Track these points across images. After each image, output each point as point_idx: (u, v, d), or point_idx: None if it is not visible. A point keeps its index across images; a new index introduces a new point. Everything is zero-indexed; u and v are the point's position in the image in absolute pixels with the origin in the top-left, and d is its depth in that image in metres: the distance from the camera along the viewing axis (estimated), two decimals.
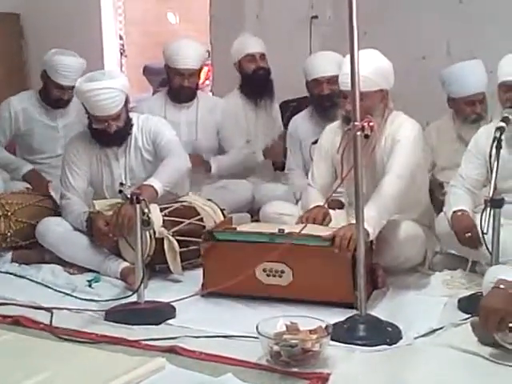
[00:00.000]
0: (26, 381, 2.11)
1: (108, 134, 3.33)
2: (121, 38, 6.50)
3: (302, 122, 4.05)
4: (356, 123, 2.35)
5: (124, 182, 2.91)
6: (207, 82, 5.84)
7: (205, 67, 5.15)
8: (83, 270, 3.29)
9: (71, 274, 3.26)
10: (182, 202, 3.47)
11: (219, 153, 4.29)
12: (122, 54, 6.51)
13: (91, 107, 3.25)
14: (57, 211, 3.56)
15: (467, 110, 3.69)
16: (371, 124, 2.60)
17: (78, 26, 5.66)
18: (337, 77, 3.12)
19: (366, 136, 2.47)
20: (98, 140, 3.43)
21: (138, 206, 2.64)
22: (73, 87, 3.88)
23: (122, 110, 3.31)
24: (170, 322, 2.65)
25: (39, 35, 4.73)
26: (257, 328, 2.26)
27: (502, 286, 2.23)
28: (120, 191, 2.73)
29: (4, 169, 4.10)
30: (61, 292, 3.03)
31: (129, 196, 2.65)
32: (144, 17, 6.52)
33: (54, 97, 4.16)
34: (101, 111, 3.22)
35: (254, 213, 3.86)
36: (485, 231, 2.56)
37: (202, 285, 2.95)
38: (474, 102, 3.67)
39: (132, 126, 3.45)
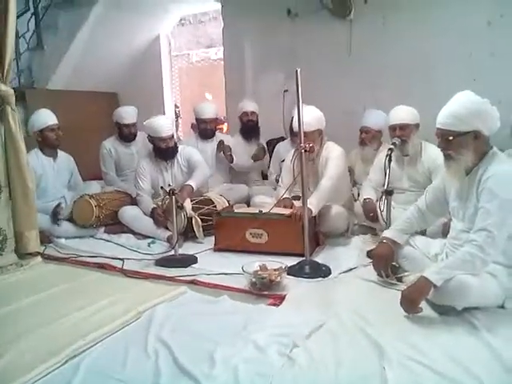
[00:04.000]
0: (104, 299, 2.17)
1: (165, 150, 3.38)
2: (176, 106, 6.53)
3: (281, 146, 4.06)
4: (301, 145, 2.38)
5: (164, 187, 2.90)
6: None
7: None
8: (145, 237, 3.26)
9: (138, 239, 3.25)
10: (204, 196, 3.47)
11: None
12: (177, 116, 6.53)
13: (156, 132, 3.31)
14: (132, 203, 3.54)
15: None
16: (311, 145, 2.63)
17: (152, 100, 5.69)
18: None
19: (306, 151, 2.45)
20: (158, 155, 3.45)
21: (173, 197, 2.66)
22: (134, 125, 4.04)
23: (172, 136, 3.38)
24: (193, 266, 2.67)
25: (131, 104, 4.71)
26: (242, 268, 2.29)
27: (384, 241, 2.25)
28: (161, 187, 2.78)
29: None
30: (131, 249, 3.04)
31: (167, 190, 2.67)
32: (191, 94, 6.55)
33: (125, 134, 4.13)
34: (160, 133, 3.30)
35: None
36: (382, 210, 2.56)
37: (214, 244, 2.97)
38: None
39: (177, 150, 3.48)
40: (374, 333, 1.75)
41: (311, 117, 2.84)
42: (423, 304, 1.91)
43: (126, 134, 4.06)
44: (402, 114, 2.97)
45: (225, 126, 5.76)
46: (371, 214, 2.87)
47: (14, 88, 2.78)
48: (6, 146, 2.72)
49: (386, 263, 2.23)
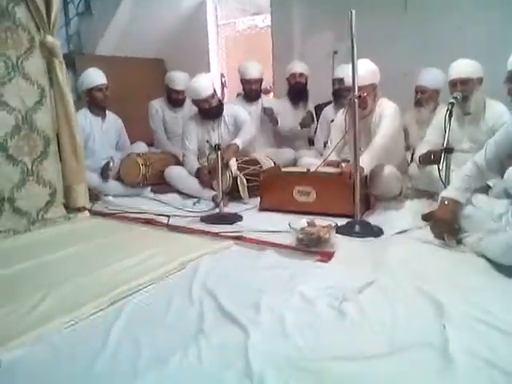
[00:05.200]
0: (149, 250, 2.15)
1: (208, 110, 3.31)
2: (222, 76, 6.41)
3: (328, 110, 3.89)
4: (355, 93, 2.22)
5: (210, 142, 2.82)
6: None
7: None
8: (191, 196, 3.24)
9: (183, 199, 3.22)
10: (250, 156, 3.37)
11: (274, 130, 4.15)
12: (223, 86, 6.42)
13: (195, 94, 3.26)
14: (177, 164, 3.53)
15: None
16: (365, 94, 2.44)
17: (199, 68, 5.59)
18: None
19: (360, 97, 2.30)
20: (203, 116, 3.38)
21: (219, 152, 2.58)
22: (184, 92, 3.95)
23: (212, 95, 3.27)
24: (238, 223, 2.59)
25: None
26: (289, 224, 2.18)
27: (446, 202, 2.06)
28: (207, 141, 2.70)
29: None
30: (176, 207, 2.98)
31: (213, 145, 2.59)
32: (237, 63, 6.40)
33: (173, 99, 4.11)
34: (200, 94, 3.24)
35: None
36: (441, 169, 2.37)
37: (260, 203, 2.89)
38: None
39: (222, 108, 3.38)
40: (432, 291, 1.60)
41: (365, 69, 2.66)
42: (489, 265, 1.75)
43: (175, 99, 4.03)
44: (464, 67, 2.73)
45: (271, 96, 5.61)
46: (431, 157, 2.61)
47: (63, 54, 2.76)
48: (55, 99, 2.71)
49: (449, 226, 2.05)
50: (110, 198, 3.21)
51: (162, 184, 3.39)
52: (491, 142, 2.09)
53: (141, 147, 3.74)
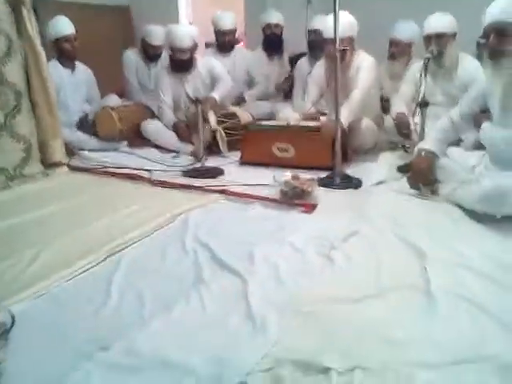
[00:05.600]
0: (136, 205, 2.17)
1: (181, 62, 3.24)
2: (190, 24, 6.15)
3: (303, 62, 3.85)
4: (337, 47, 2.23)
5: (189, 96, 2.79)
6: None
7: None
8: (169, 151, 3.22)
9: (162, 153, 3.20)
10: (228, 110, 3.36)
11: (249, 84, 4.11)
12: None
13: (175, 41, 3.17)
14: (152, 116, 3.48)
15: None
16: (346, 48, 2.47)
17: (166, 16, 5.32)
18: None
19: (343, 55, 2.31)
20: (174, 67, 3.31)
21: (199, 105, 2.56)
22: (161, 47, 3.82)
23: (193, 47, 3.23)
24: (220, 177, 2.63)
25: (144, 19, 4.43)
26: (273, 177, 2.25)
27: (422, 153, 2.16)
28: (187, 96, 2.67)
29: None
30: (155, 162, 2.95)
31: (193, 99, 2.57)
32: (204, 13, 6.11)
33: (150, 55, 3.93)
34: (181, 43, 3.17)
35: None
36: (416, 123, 2.46)
37: (241, 157, 2.91)
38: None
39: (195, 61, 3.32)
40: (412, 238, 1.72)
41: (344, 22, 2.64)
42: (462, 212, 1.89)
43: (151, 55, 3.88)
44: (439, 21, 2.77)
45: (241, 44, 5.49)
46: (404, 131, 2.74)
47: None
48: (24, 50, 2.59)
49: (425, 176, 2.16)
50: (86, 152, 3.15)
51: (138, 138, 3.35)
52: (466, 98, 2.18)
53: (114, 100, 3.64)
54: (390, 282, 1.44)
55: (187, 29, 3.24)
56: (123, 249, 1.72)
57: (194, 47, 3.24)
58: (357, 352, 1.12)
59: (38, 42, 2.61)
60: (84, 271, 1.57)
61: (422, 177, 2.18)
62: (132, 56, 3.93)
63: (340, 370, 1.06)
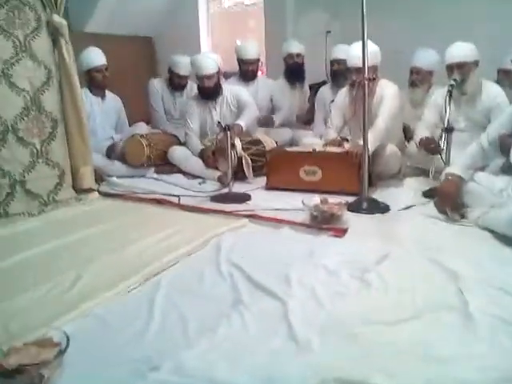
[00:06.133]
0: (168, 229, 2.23)
1: (207, 89, 3.36)
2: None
3: (325, 90, 3.94)
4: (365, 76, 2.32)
5: (220, 122, 2.86)
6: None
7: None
8: (195, 177, 3.29)
9: (188, 179, 3.27)
10: (252, 136, 3.45)
11: (271, 112, 4.21)
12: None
13: (199, 68, 3.31)
14: (179, 144, 3.59)
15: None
16: (373, 76, 2.55)
17: (188, 47, 5.51)
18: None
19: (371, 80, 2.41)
20: (202, 95, 3.43)
21: (228, 132, 2.65)
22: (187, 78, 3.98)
23: (217, 73, 3.35)
24: (248, 202, 2.67)
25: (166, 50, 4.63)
26: (302, 201, 2.29)
27: (450, 178, 2.21)
28: (218, 122, 2.76)
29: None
30: (183, 188, 3.02)
31: (223, 126, 2.66)
32: (223, 41, 6.31)
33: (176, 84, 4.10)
34: (203, 70, 3.30)
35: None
36: (442, 148, 2.51)
37: (266, 183, 2.97)
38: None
39: (222, 89, 3.46)
40: (443, 260, 1.75)
41: (368, 51, 2.74)
42: (492, 236, 1.91)
43: (177, 85, 4.02)
44: (460, 51, 2.84)
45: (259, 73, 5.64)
46: (432, 146, 2.70)
47: None
48: (61, 80, 2.72)
49: (453, 200, 2.20)
50: (115, 178, 3.24)
51: (165, 165, 3.44)
52: (493, 124, 2.24)
53: (142, 127, 3.78)
54: (426, 303, 1.47)
55: (210, 56, 3.38)
56: (160, 272, 1.77)
57: (219, 73, 3.37)
58: (401, 370, 1.14)
59: (74, 72, 2.75)
60: (126, 293, 1.62)
61: (449, 201, 2.21)
62: (158, 85, 4.08)
63: None
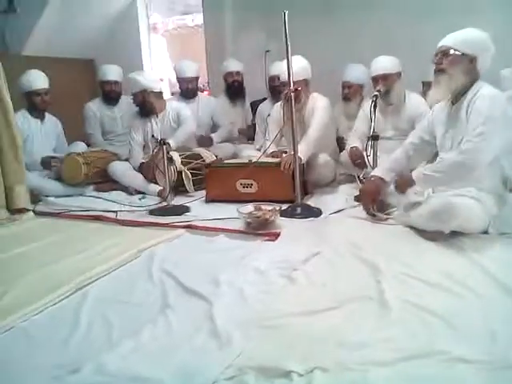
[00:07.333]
0: (103, 243, 2.22)
1: (146, 105, 3.39)
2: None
3: (264, 105, 4.06)
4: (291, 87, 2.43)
5: (154, 136, 2.89)
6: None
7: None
8: (136, 192, 3.29)
9: (129, 194, 3.28)
10: (192, 151, 3.50)
11: (212, 129, 4.27)
12: None
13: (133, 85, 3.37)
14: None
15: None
16: (299, 88, 2.68)
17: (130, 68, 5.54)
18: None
19: (295, 91, 2.52)
20: (141, 111, 3.46)
21: (164, 146, 2.69)
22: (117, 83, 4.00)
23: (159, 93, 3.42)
24: (187, 214, 2.70)
25: None
26: (237, 210, 2.35)
27: (372, 178, 2.34)
28: (152, 136, 2.80)
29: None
30: (122, 203, 3.03)
31: (159, 140, 2.69)
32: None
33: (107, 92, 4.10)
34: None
35: None
36: (368, 155, 2.65)
37: (206, 195, 3.01)
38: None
39: (164, 105, 3.52)
40: (369, 257, 1.85)
41: (297, 66, 2.87)
42: (415, 233, 2.04)
43: (108, 92, 4.01)
44: (383, 63, 3.05)
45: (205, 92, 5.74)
46: (358, 161, 2.94)
47: None
48: None
49: (374, 198, 2.33)
50: (52, 198, 3.18)
51: (104, 182, 3.42)
52: (415, 129, 2.41)
53: (81, 147, 3.74)
54: (346, 295, 1.55)
55: (143, 74, 3.44)
56: (91, 283, 1.76)
57: (151, 92, 3.39)
58: (316, 356, 1.20)
59: (5, 92, 2.71)
60: (52, 305, 1.60)
61: (370, 198, 2.34)
62: (93, 106, 4.06)
63: (300, 373, 1.14)
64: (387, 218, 2.33)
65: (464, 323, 1.33)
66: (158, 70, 5.52)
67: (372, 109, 2.72)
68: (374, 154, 2.67)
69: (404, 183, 2.25)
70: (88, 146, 4.06)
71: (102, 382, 1.16)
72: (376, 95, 2.80)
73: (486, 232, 2.04)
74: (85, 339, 1.37)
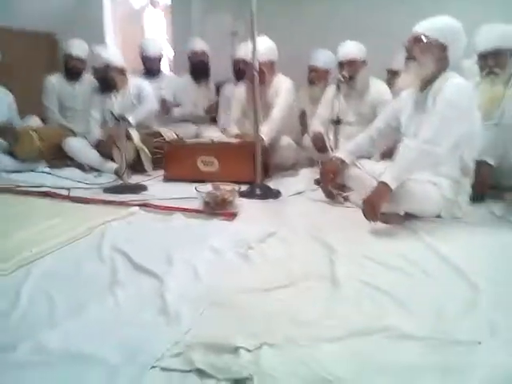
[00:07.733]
0: (51, 220, 2.11)
1: (107, 82, 3.28)
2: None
3: (228, 86, 4.01)
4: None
5: (113, 112, 2.78)
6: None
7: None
8: (92, 170, 3.21)
9: (84, 171, 3.18)
10: (152, 129, 3.40)
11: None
12: None
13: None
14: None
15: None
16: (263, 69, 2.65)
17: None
18: None
19: (260, 79, 2.47)
20: (101, 87, 3.36)
21: (123, 122, 2.60)
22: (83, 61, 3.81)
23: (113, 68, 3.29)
24: (143, 193, 2.64)
25: None
26: (195, 188, 2.30)
27: (333, 159, 2.36)
28: (111, 112, 2.68)
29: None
30: (76, 181, 2.92)
31: (116, 116, 2.59)
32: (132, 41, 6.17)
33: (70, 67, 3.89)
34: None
35: None
36: (330, 139, 2.65)
37: (164, 174, 2.94)
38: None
39: (126, 82, 3.42)
40: (324, 237, 1.86)
41: (263, 47, 2.84)
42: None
43: (71, 67, 3.81)
44: (350, 49, 3.04)
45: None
46: (320, 145, 2.93)
47: None
48: None
49: (333, 178, 2.34)
50: (2, 173, 3.03)
51: (58, 158, 3.29)
52: (381, 115, 2.41)
53: (35, 121, 3.56)
54: (300, 273, 1.54)
55: (107, 48, 3.30)
56: (36, 260, 1.67)
57: (113, 67, 3.30)
58: (265, 332, 1.18)
59: None
60: None
61: (329, 177, 2.33)
62: (54, 80, 3.87)
63: (249, 348, 1.11)
64: (345, 201, 2.33)
65: (413, 301, 1.34)
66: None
67: (335, 93, 2.71)
68: (335, 139, 2.67)
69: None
70: (43, 120, 3.88)
71: (40, 360, 1.09)
72: (340, 79, 2.79)
73: (439, 216, 2.07)
74: (23, 316, 1.30)
